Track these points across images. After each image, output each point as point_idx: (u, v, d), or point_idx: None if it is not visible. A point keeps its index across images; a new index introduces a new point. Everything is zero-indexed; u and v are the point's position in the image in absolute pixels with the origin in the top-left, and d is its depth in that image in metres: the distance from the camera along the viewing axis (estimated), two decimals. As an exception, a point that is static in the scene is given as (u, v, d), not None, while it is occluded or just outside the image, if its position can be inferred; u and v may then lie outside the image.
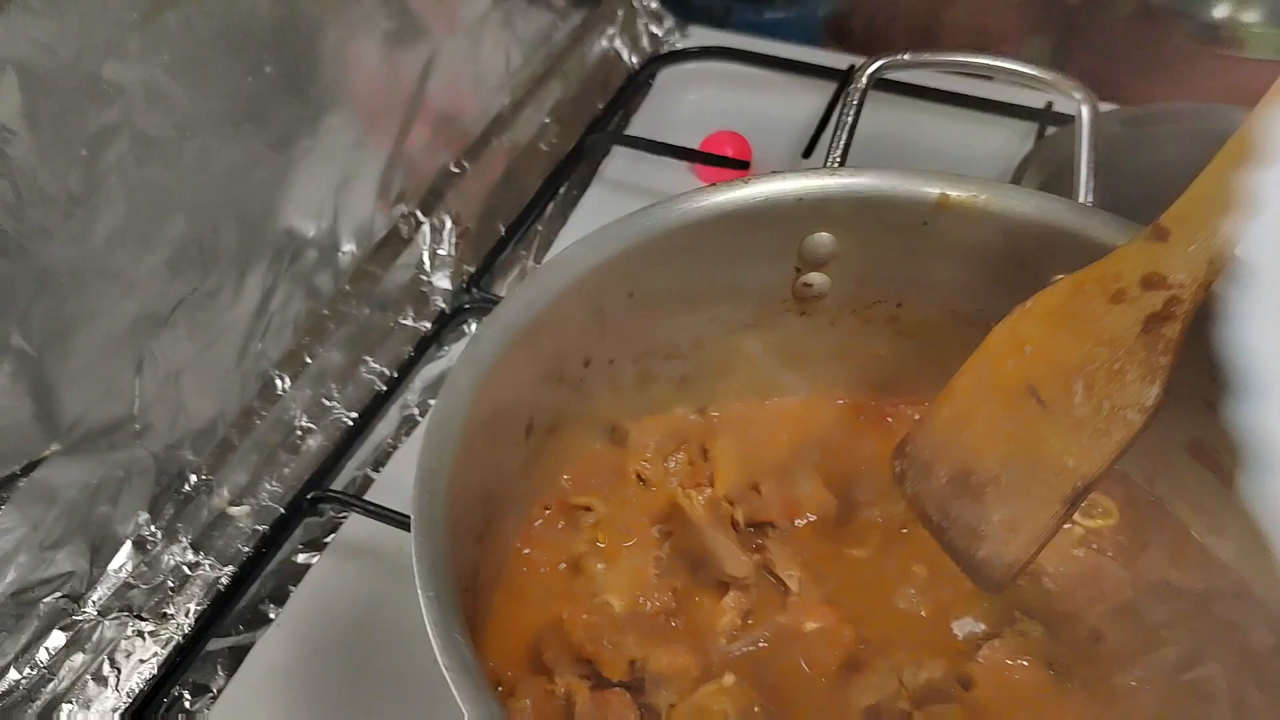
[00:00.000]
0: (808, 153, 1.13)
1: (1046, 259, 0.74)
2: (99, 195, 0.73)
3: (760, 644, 0.67)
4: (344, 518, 0.92)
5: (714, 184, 0.75)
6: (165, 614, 0.82)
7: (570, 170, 1.19)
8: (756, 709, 0.61)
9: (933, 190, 0.74)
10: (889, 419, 0.84)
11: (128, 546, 0.83)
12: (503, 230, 1.12)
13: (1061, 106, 1.14)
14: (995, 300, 0.77)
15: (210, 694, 0.81)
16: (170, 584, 0.83)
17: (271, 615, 0.86)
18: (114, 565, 0.83)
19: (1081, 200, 0.83)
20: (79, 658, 0.80)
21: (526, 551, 0.74)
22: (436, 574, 0.53)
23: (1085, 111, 0.77)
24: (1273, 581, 0.68)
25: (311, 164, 0.90)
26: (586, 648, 0.64)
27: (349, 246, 0.97)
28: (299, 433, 0.92)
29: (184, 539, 0.84)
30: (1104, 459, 0.61)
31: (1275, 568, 0.67)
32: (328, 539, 0.91)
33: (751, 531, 0.75)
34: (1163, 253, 0.60)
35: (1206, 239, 0.59)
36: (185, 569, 0.84)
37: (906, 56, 0.83)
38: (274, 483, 0.90)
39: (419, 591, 0.52)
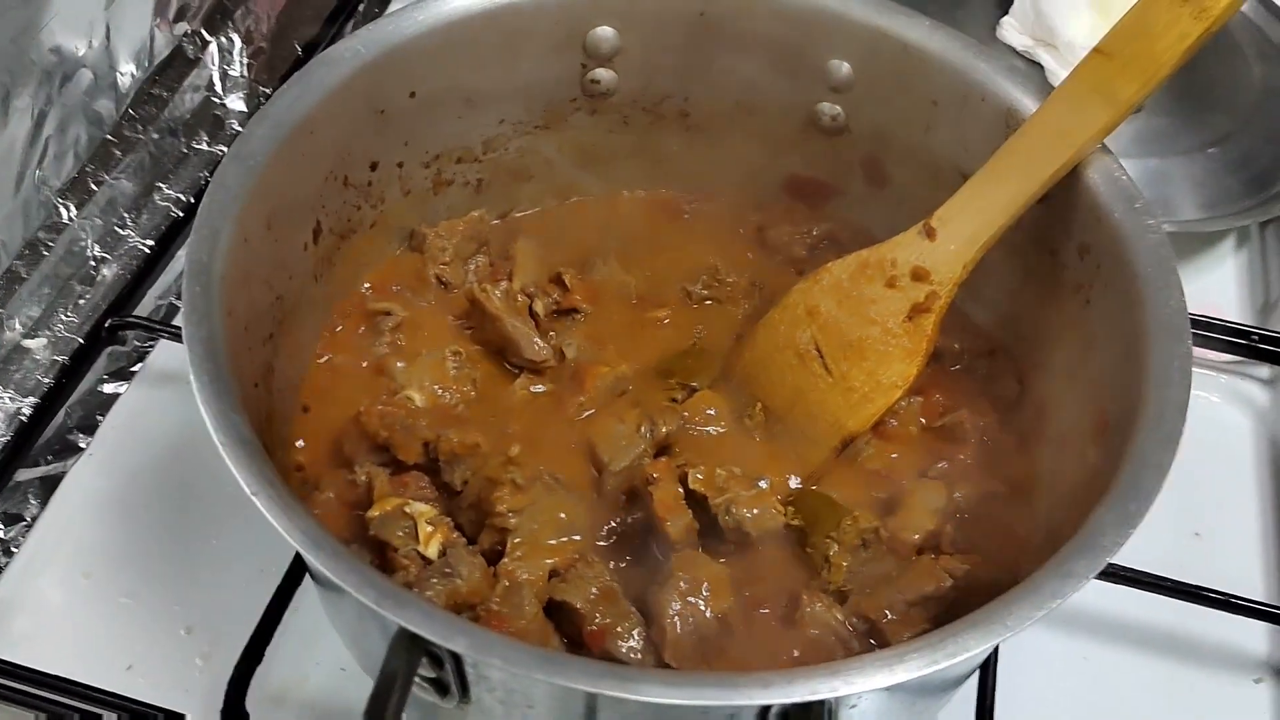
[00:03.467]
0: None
1: (818, 44, 0.77)
2: None
3: (546, 417, 0.71)
4: (150, 347, 0.91)
5: (492, -24, 0.74)
6: (-34, 448, 0.81)
7: (368, -14, 1.15)
8: (547, 476, 0.65)
9: (707, -23, 0.76)
10: (685, 214, 0.87)
11: (-84, 384, 0.81)
12: (299, 50, 1.08)
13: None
14: (777, 90, 0.80)
15: (24, 522, 0.81)
16: (-32, 419, 0.82)
17: (82, 445, 0.86)
18: (-95, 404, 0.81)
19: (849, -17, 0.86)
20: (-123, 497, 0.79)
21: (329, 358, 0.75)
22: (211, 360, 0.54)
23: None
24: (1021, 342, 0.74)
25: (73, -24, 0.85)
26: (381, 434, 0.66)
27: (128, 68, 0.93)
28: (93, 262, 0.90)
29: (-23, 373, 0.82)
30: (868, 419, 0.71)
31: (1023, 326, 0.74)
32: (135, 368, 0.90)
33: (557, 318, 0.78)
34: (929, 250, 0.70)
35: (963, 244, 0.68)
36: (-18, 403, 0.83)
37: None
38: (69, 313, 0.88)
39: (191, 378, 0.53)
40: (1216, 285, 1.00)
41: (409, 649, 0.45)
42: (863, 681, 0.45)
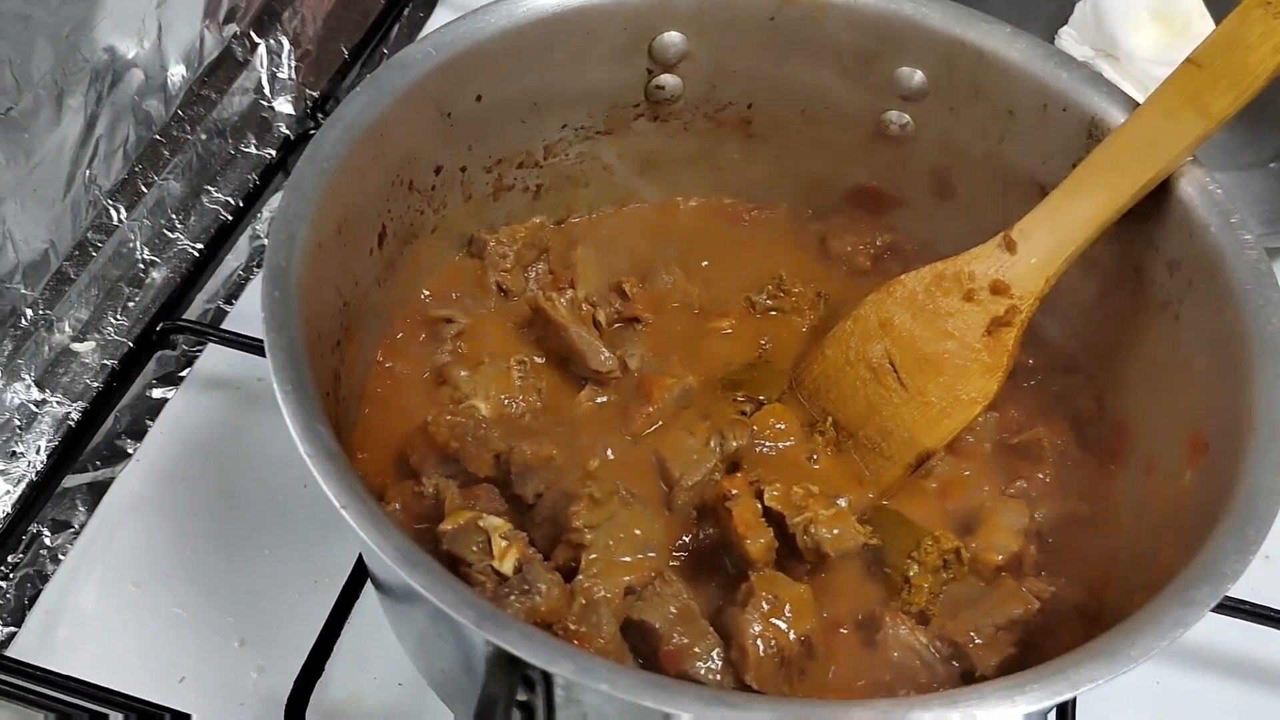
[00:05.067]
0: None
1: (890, 51, 0.75)
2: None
3: (612, 428, 0.69)
4: (198, 351, 0.89)
5: (559, -20, 0.72)
6: (15, 452, 0.79)
7: (414, -11, 1.14)
8: (623, 490, 0.63)
9: (779, -16, 0.74)
10: (745, 222, 0.86)
11: (-36, 388, 0.80)
12: (346, 53, 1.07)
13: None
14: (844, 98, 0.79)
15: (72, 529, 0.80)
16: (17, 422, 0.80)
17: (130, 450, 0.84)
18: (-49, 408, 0.79)
19: (923, -9, 0.85)
20: (-74, 502, 0.77)
21: (390, 365, 0.74)
22: (293, 368, 0.52)
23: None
24: (1100, 358, 0.73)
25: (127, -25, 0.84)
26: (452, 445, 0.64)
27: (178, 69, 0.92)
28: (142, 265, 0.89)
29: (26, 376, 0.81)
30: (945, 435, 0.69)
31: (1101, 342, 0.72)
32: (183, 373, 0.88)
33: (619, 328, 0.76)
34: (1009, 263, 0.68)
35: (1045, 258, 0.67)
36: (31, 407, 0.81)
37: None
38: (119, 316, 0.86)
39: (275, 387, 0.52)
40: (1277, 302, 0.98)
41: (508, 672, 0.44)
42: (984, 714, 0.43)
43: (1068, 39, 1.04)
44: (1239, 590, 0.72)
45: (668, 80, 0.78)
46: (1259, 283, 0.59)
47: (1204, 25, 0.99)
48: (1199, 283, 0.63)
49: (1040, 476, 0.70)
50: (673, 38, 0.76)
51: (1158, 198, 0.65)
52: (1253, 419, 0.54)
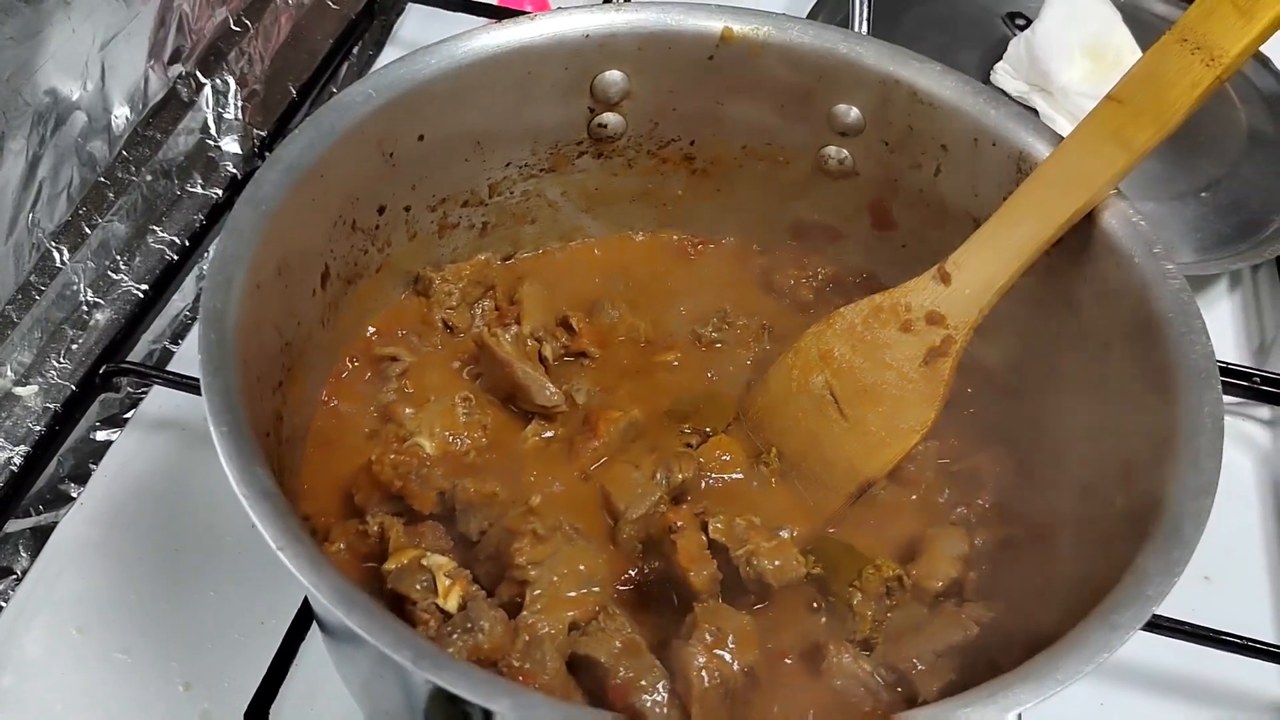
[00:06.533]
0: (604, 3, 1.12)
1: (827, 89, 0.77)
2: None
3: (558, 463, 0.70)
4: (144, 393, 0.89)
5: (500, 21, 0.74)
6: (-46, 499, 0.78)
7: (362, 29, 1.15)
8: (567, 526, 0.64)
9: (716, 24, 0.76)
10: (690, 256, 0.87)
11: (-96, 434, 0.79)
12: (294, 92, 1.08)
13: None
14: (783, 133, 0.81)
15: (14, 576, 0.79)
16: (-43, 468, 0.79)
17: (74, 494, 0.83)
18: (-110, 454, 0.78)
19: (857, 30, 0.87)
20: None
21: (335, 404, 0.74)
22: (229, 410, 0.52)
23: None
24: (1036, 386, 0.74)
25: (69, 17, 0.84)
26: (395, 484, 0.64)
27: (122, 110, 0.92)
28: (85, 307, 0.88)
29: (-34, 422, 0.80)
30: (886, 464, 0.70)
31: (1037, 370, 0.74)
32: (128, 415, 0.88)
33: (566, 362, 0.77)
34: (944, 294, 0.69)
35: (978, 288, 0.68)
36: (-29, 452, 0.80)
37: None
38: (62, 359, 0.85)
39: (211, 429, 0.51)
40: (1212, 328, 0.99)
41: (448, 712, 0.44)
42: (915, 739, 0.44)
43: (1003, 74, 1.07)
44: (1182, 612, 0.75)
45: (610, 118, 0.79)
46: (1181, 311, 0.61)
47: (1134, 58, 1.01)
48: (1125, 311, 0.64)
49: (980, 503, 0.71)
50: (613, 76, 0.77)
51: (1085, 229, 0.67)
52: (1177, 444, 0.56)
